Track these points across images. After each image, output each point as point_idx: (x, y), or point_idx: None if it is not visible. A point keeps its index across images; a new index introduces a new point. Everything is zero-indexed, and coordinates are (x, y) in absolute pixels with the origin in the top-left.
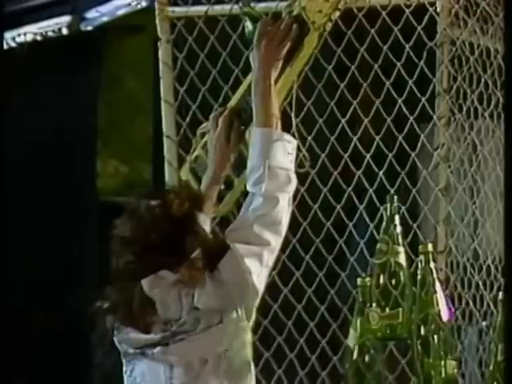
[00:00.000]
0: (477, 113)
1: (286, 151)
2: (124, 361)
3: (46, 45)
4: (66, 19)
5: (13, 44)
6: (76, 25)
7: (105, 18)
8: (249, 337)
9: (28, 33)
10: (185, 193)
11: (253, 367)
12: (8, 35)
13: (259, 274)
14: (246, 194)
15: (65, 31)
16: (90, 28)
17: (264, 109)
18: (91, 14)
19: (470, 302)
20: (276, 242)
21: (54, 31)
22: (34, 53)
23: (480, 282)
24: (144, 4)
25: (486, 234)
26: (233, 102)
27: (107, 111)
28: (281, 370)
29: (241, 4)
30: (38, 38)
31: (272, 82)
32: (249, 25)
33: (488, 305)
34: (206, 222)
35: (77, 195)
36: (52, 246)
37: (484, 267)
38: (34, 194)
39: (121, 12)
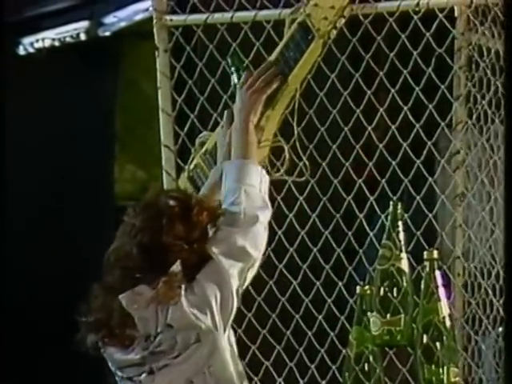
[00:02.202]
0: (493, 118)
1: (262, 182)
2: (117, 379)
3: (64, 50)
4: (83, 25)
5: (31, 50)
6: (94, 30)
7: (122, 24)
8: (232, 346)
9: (46, 38)
10: (204, 203)
11: (243, 375)
12: (26, 41)
13: (239, 286)
14: None
15: (83, 37)
16: (107, 33)
17: (242, 147)
18: (109, 19)
19: (483, 308)
20: (257, 257)
21: (71, 37)
22: (52, 58)
23: (496, 288)
24: None
25: (500, 240)
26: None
27: (124, 116)
28: (281, 378)
29: (229, 59)
30: (56, 43)
31: (251, 125)
32: (235, 78)
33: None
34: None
35: (94, 200)
36: (68, 250)
37: (498, 273)
38: (52, 198)
39: (138, 17)
